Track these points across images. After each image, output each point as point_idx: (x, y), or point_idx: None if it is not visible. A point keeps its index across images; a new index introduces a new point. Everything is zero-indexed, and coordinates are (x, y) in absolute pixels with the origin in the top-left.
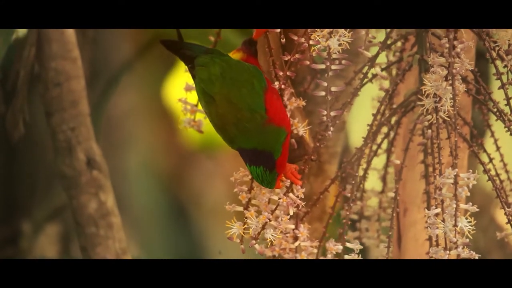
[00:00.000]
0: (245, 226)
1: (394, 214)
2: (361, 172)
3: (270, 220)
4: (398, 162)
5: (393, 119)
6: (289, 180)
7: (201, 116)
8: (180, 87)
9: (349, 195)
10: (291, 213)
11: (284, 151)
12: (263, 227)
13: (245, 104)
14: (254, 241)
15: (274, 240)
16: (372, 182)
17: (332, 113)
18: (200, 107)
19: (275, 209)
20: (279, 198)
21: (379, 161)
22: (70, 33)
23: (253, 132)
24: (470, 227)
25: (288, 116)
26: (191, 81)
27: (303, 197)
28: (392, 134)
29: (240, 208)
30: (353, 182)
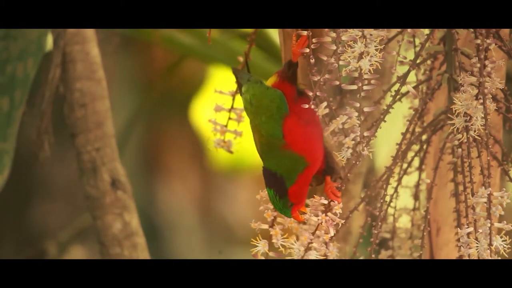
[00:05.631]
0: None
1: (425, 233)
2: (391, 191)
3: (311, 242)
4: (428, 181)
5: (423, 138)
6: (325, 200)
7: (230, 136)
8: (205, 109)
9: (377, 213)
10: (332, 234)
11: (301, 182)
12: (306, 250)
13: (264, 129)
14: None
15: None
16: (405, 200)
17: (365, 133)
18: (229, 127)
19: (316, 229)
20: (318, 218)
21: (411, 179)
22: (95, 54)
23: (271, 153)
24: (505, 245)
25: (320, 149)
26: (220, 102)
27: (341, 212)
28: (422, 152)
29: (266, 226)
30: (381, 201)
